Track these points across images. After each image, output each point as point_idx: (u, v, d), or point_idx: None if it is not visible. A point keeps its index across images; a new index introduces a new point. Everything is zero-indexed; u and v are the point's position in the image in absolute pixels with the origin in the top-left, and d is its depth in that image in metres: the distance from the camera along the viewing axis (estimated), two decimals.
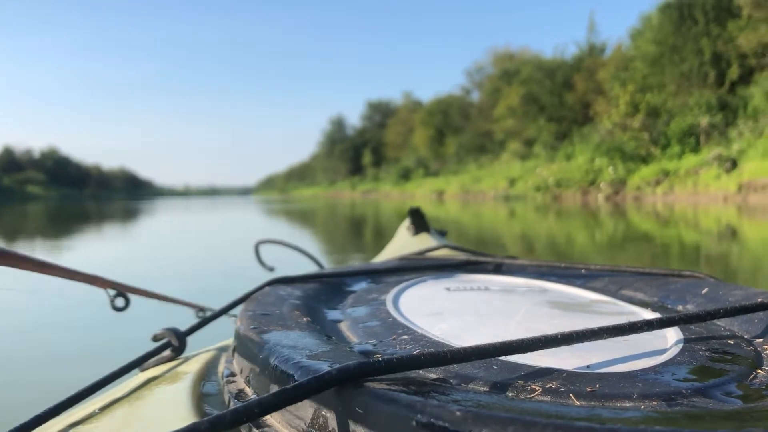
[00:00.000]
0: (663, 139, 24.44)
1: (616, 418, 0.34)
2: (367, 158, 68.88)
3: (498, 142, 39.46)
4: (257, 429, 0.46)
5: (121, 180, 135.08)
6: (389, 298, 0.81)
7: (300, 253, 2.13)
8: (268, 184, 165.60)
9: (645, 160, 24.74)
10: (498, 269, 1.09)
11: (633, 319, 0.67)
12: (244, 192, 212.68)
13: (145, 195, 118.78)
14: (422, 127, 52.52)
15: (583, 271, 1.02)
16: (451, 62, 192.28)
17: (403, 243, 1.87)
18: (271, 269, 1.86)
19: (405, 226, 2.02)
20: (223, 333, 0.88)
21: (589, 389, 0.45)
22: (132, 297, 1.14)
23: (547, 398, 0.44)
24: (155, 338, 0.77)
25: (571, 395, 0.44)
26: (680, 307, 0.80)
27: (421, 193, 42.80)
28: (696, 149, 23.01)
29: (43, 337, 3.13)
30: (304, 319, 0.66)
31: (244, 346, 0.59)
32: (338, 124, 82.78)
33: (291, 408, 0.44)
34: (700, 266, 5.44)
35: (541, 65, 37.77)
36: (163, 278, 5.03)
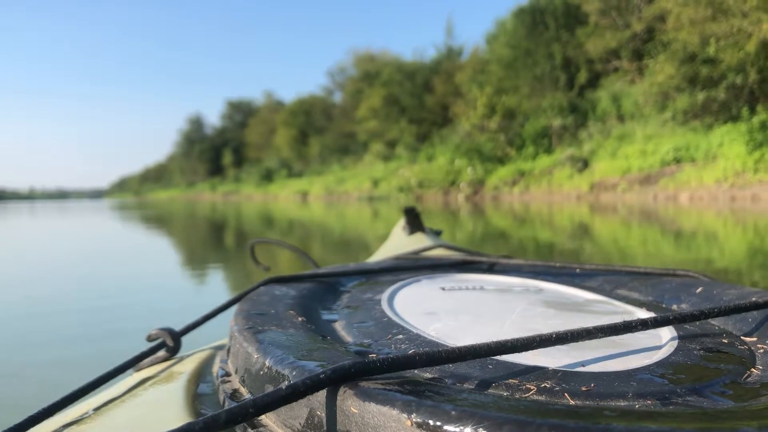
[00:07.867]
0: (518, 140, 25.26)
1: (611, 417, 0.34)
2: (227, 158, 66.80)
3: (361, 143, 39.42)
4: (252, 429, 0.46)
5: None
6: (384, 297, 0.81)
7: (295, 252, 2.07)
8: (122, 186, 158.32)
9: (502, 160, 25.44)
10: (493, 269, 1.09)
11: (628, 318, 0.67)
12: (96, 195, 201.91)
13: None
14: (284, 127, 51.50)
15: (578, 270, 1.02)
16: (312, 62, 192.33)
17: (398, 243, 1.85)
18: (267, 269, 1.79)
19: (400, 226, 1.99)
20: (218, 333, 0.85)
21: (584, 388, 0.45)
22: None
23: (542, 397, 0.44)
24: (150, 338, 0.75)
25: (566, 394, 0.44)
26: (675, 307, 0.80)
27: (284, 194, 41.90)
28: (549, 150, 23.94)
29: None
30: (299, 319, 0.67)
31: (239, 346, 0.58)
32: (196, 123, 79.65)
33: (286, 408, 0.44)
34: (554, 258, 5.32)
35: (401, 67, 38.12)
36: None
